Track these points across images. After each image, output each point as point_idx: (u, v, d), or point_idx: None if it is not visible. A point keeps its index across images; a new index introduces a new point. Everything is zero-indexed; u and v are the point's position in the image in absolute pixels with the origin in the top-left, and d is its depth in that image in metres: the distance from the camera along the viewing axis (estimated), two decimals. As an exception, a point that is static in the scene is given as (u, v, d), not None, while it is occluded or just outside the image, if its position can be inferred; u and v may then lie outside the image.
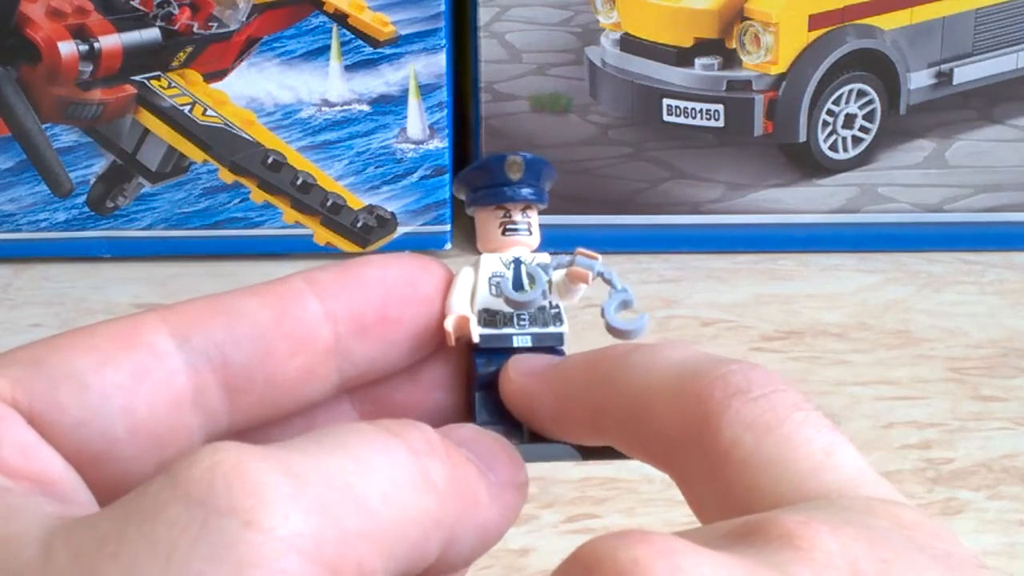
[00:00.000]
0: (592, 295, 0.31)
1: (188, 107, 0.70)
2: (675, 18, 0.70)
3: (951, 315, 0.67)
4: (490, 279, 0.31)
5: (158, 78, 0.70)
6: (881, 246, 0.72)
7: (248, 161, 0.70)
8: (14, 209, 0.71)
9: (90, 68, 0.69)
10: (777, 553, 0.22)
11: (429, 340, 0.30)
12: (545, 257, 0.31)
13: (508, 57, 0.70)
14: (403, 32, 0.69)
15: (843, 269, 0.71)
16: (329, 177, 0.70)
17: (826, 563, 0.22)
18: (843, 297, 0.69)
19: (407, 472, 0.24)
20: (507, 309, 0.31)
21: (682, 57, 0.70)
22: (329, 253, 0.71)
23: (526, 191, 0.32)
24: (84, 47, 0.68)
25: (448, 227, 0.71)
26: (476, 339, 0.30)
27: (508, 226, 0.32)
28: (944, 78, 0.71)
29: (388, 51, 0.70)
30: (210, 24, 0.69)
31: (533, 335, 0.31)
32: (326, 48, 0.70)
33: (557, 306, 0.31)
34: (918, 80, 0.71)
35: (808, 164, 0.71)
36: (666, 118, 0.71)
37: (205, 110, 0.70)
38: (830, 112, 0.71)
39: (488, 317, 0.31)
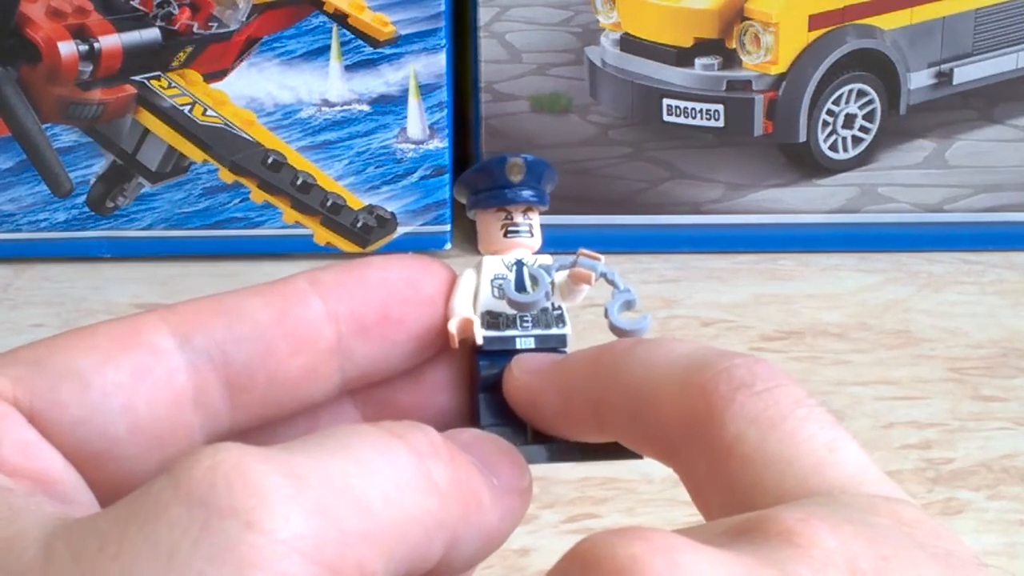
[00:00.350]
0: (593, 296, 0.31)
1: (188, 107, 0.70)
2: (675, 18, 0.70)
3: (951, 315, 0.67)
4: (492, 281, 0.31)
5: (158, 78, 0.70)
6: (881, 246, 0.72)
7: (248, 161, 0.70)
8: (14, 209, 0.71)
9: (90, 68, 0.69)
10: (776, 550, 0.22)
11: (431, 341, 0.30)
12: (547, 259, 0.31)
13: (508, 57, 0.70)
14: (403, 32, 0.69)
15: (843, 269, 0.71)
16: (329, 177, 0.70)
17: (824, 561, 0.22)
18: (843, 297, 0.69)
19: (409, 473, 0.24)
20: (510, 311, 0.31)
21: (682, 57, 0.70)
22: (329, 253, 0.71)
23: (527, 193, 0.32)
24: (84, 47, 0.68)
25: (448, 227, 0.71)
26: (480, 341, 0.30)
27: (510, 228, 0.32)
28: (944, 78, 0.71)
29: (388, 51, 0.70)
30: (210, 24, 0.69)
31: (536, 337, 0.31)
32: (326, 48, 0.70)
33: (560, 308, 0.31)
34: (918, 80, 0.71)
35: (808, 164, 0.71)
36: (666, 118, 0.71)
37: (205, 110, 0.70)
38: (830, 112, 0.71)
39: (491, 319, 0.31)
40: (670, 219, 0.72)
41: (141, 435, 0.27)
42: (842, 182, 0.72)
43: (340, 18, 0.69)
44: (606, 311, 0.30)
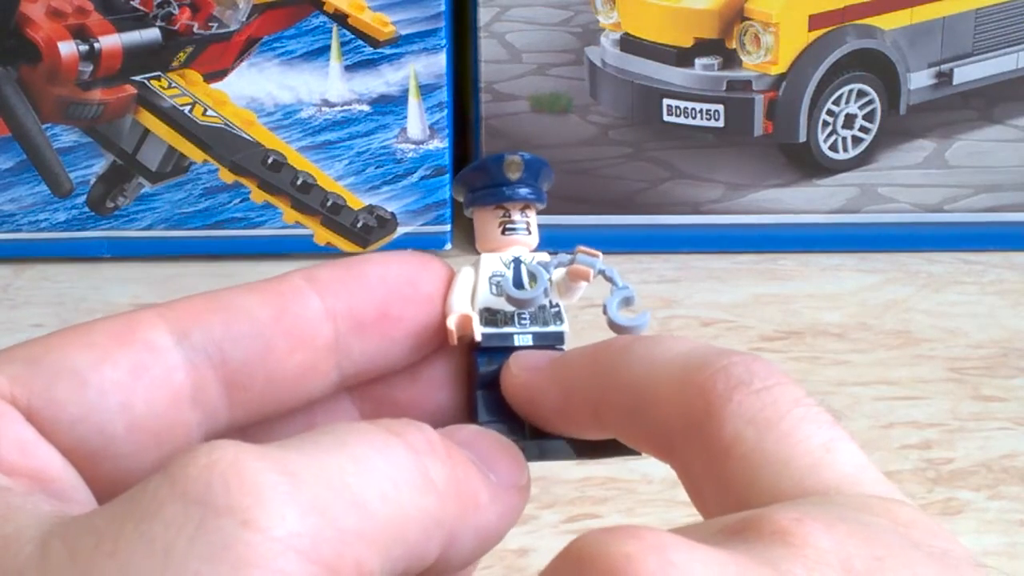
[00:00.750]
0: (592, 295, 0.31)
1: (188, 107, 0.70)
2: (675, 18, 0.70)
3: (951, 315, 0.67)
4: (491, 278, 0.31)
5: (158, 78, 0.70)
6: (881, 246, 0.72)
7: (248, 161, 0.70)
8: (14, 209, 0.71)
9: (90, 68, 0.69)
10: (770, 549, 0.22)
11: (430, 339, 0.30)
12: (545, 256, 0.31)
13: (508, 57, 0.70)
14: (403, 32, 0.69)
15: (843, 269, 0.71)
16: (329, 177, 0.70)
17: (818, 560, 0.22)
18: (843, 297, 0.69)
19: (406, 472, 0.24)
20: (508, 308, 0.31)
21: (682, 57, 0.70)
22: (329, 253, 0.71)
23: (524, 191, 0.32)
24: (84, 47, 0.68)
25: (448, 227, 0.71)
26: (478, 338, 0.30)
27: (507, 226, 0.32)
28: (944, 78, 0.71)
29: (388, 51, 0.70)
30: (210, 24, 0.69)
31: (534, 334, 0.31)
32: (326, 48, 0.70)
33: (557, 305, 0.31)
34: (918, 80, 0.71)
35: (808, 164, 0.71)
36: (666, 118, 0.71)
37: (205, 110, 0.70)
38: (830, 112, 0.71)
39: (489, 316, 0.31)
40: (670, 219, 0.72)
41: (139, 433, 0.27)
42: (842, 182, 0.72)
43: (340, 18, 0.69)
44: (605, 308, 0.30)
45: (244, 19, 0.69)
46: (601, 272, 0.31)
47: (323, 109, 0.70)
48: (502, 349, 0.31)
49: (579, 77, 0.71)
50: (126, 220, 0.71)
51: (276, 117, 0.70)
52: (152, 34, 0.69)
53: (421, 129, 0.70)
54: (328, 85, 0.70)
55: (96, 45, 0.68)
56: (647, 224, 0.72)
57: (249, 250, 0.71)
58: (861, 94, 0.71)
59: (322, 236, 0.71)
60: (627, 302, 0.31)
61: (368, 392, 0.31)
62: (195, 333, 0.28)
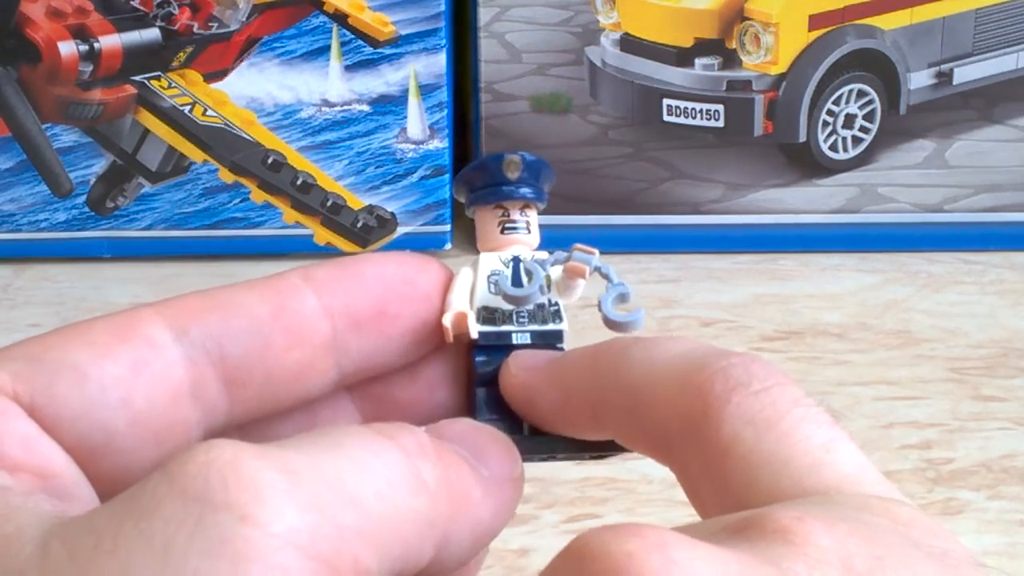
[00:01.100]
0: (591, 295, 0.31)
1: (188, 107, 0.70)
2: (675, 18, 0.70)
3: (951, 315, 0.67)
4: (489, 277, 0.31)
5: (158, 78, 0.70)
6: (881, 246, 0.72)
7: (248, 161, 0.70)
8: (14, 209, 0.71)
9: (90, 68, 0.69)
10: (771, 547, 0.22)
11: (428, 337, 0.30)
12: (544, 255, 0.31)
13: (508, 57, 0.70)
14: (403, 32, 0.69)
15: (843, 269, 0.71)
16: (329, 177, 0.70)
17: (819, 558, 0.22)
18: (843, 297, 0.69)
19: (399, 472, 0.24)
20: (506, 307, 0.31)
21: (682, 57, 0.70)
22: (329, 253, 0.71)
23: (524, 190, 0.32)
24: (84, 47, 0.68)
25: (448, 227, 0.71)
26: (474, 335, 0.30)
27: (507, 225, 0.32)
28: (944, 78, 0.71)
29: (388, 51, 0.70)
30: (210, 24, 0.69)
31: (532, 332, 0.31)
32: (326, 48, 0.70)
33: (556, 303, 0.31)
34: (918, 80, 0.71)
35: (808, 164, 0.71)
36: (666, 118, 0.71)
37: (205, 110, 0.70)
38: (830, 112, 0.71)
39: (487, 315, 0.31)
40: (670, 219, 0.72)
41: (140, 428, 0.27)
42: (842, 182, 0.72)
43: (340, 18, 0.69)
44: (600, 304, 0.30)
45: (244, 19, 0.69)
46: (597, 269, 0.31)
47: (323, 109, 0.70)
48: (500, 347, 0.31)
49: (579, 77, 0.71)
50: (126, 220, 0.71)
51: (276, 117, 0.70)
52: (152, 34, 0.69)
53: (421, 129, 0.70)
54: (328, 85, 0.70)
55: (96, 45, 0.68)
56: (647, 224, 0.72)
57: (249, 250, 0.71)
58: (861, 94, 0.71)
59: (322, 236, 0.71)
60: (622, 298, 0.31)
61: (368, 391, 0.31)
62: (193, 329, 0.28)
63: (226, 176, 0.70)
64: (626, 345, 0.28)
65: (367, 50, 0.70)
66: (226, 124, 0.70)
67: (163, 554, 0.21)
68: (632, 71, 0.71)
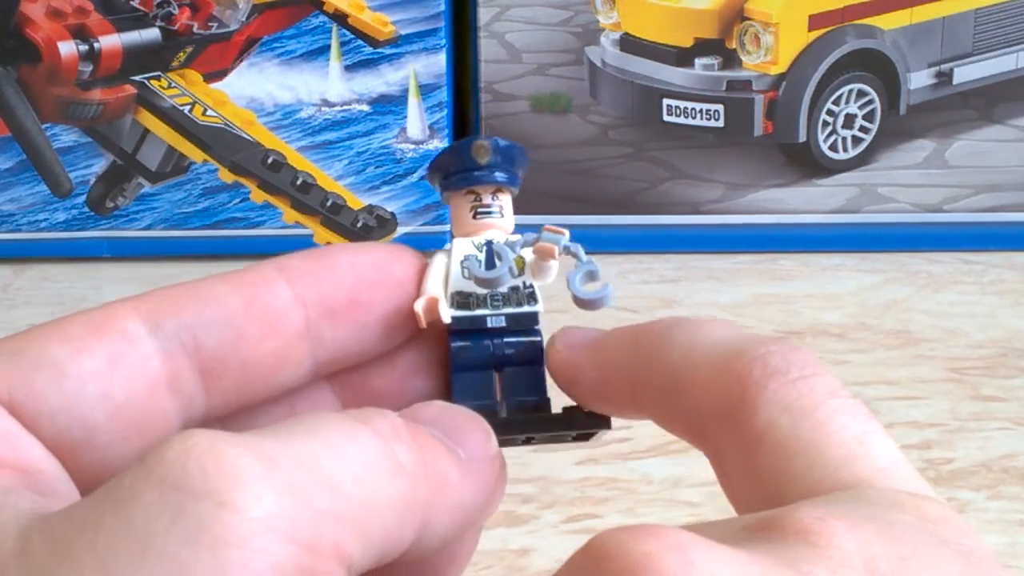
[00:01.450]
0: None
1: (188, 107, 0.70)
2: (675, 18, 0.70)
3: (951, 315, 0.67)
4: (462, 262, 0.31)
5: (158, 78, 0.70)
6: (881, 246, 0.72)
7: (248, 161, 0.70)
8: (14, 209, 0.71)
9: (90, 68, 0.69)
10: (792, 549, 0.22)
11: (402, 325, 0.30)
12: (515, 237, 0.32)
13: (508, 57, 0.70)
14: (403, 32, 0.69)
15: (843, 269, 0.71)
16: (329, 177, 0.70)
17: (841, 561, 0.22)
18: (843, 297, 0.69)
19: (376, 456, 0.24)
20: (480, 291, 0.31)
21: (682, 57, 0.70)
22: (329, 253, 0.71)
23: (495, 174, 0.32)
24: (84, 47, 0.68)
25: (448, 227, 0.71)
26: (446, 320, 0.30)
27: (479, 210, 0.32)
28: (944, 78, 0.71)
29: (388, 51, 0.70)
30: (210, 24, 0.69)
31: (507, 315, 0.31)
32: (326, 48, 0.70)
33: (531, 286, 0.31)
34: (918, 80, 0.71)
35: (808, 164, 0.71)
36: (666, 118, 0.71)
37: (205, 110, 0.70)
38: (830, 112, 0.71)
39: (461, 299, 0.31)
40: (670, 219, 0.72)
41: (119, 422, 0.27)
42: (842, 182, 0.72)
43: (340, 18, 0.69)
44: (568, 281, 0.30)
45: (244, 19, 0.69)
46: (566, 248, 0.31)
47: (323, 109, 0.70)
48: (476, 332, 0.31)
49: (579, 77, 0.71)
50: (126, 220, 0.71)
51: (276, 117, 0.70)
52: (152, 34, 0.69)
53: (421, 129, 0.70)
54: (328, 85, 0.70)
55: (96, 45, 0.68)
56: (647, 224, 0.72)
57: (249, 250, 0.71)
58: (861, 94, 0.71)
59: (322, 236, 0.71)
60: (591, 276, 0.31)
61: (347, 380, 0.31)
62: (168, 322, 0.28)
63: (226, 176, 0.70)
64: (668, 326, 0.28)
65: (367, 50, 0.70)
66: (226, 124, 0.70)
67: (143, 543, 0.21)
68: (632, 71, 0.71)
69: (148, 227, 0.71)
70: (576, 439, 0.31)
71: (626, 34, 0.71)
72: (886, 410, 0.60)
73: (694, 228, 0.72)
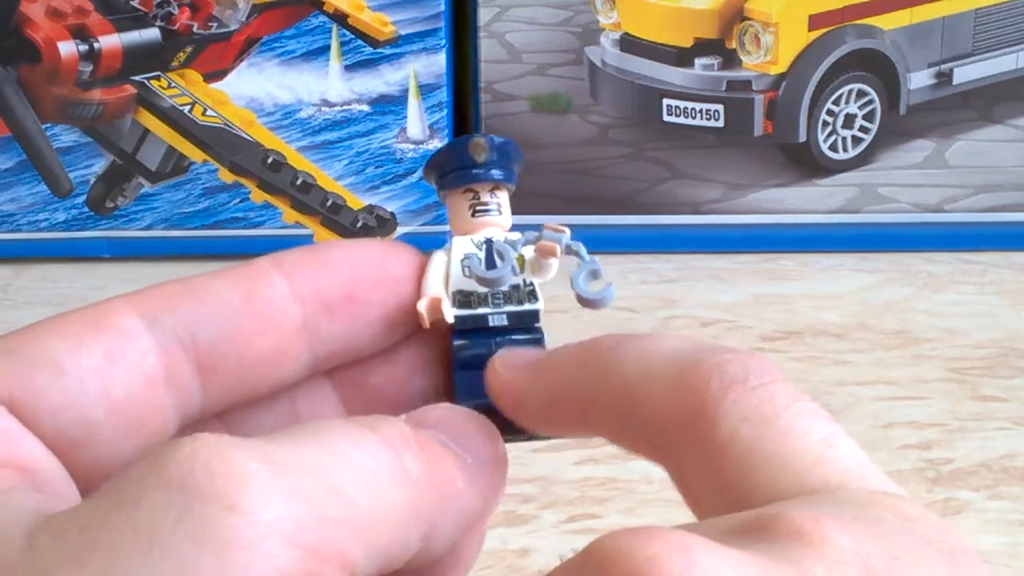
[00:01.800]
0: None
1: (188, 107, 0.70)
2: (675, 18, 0.70)
3: (951, 315, 0.67)
4: (463, 261, 0.31)
5: (158, 78, 0.70)
6: (881, 246, 0.72)
7: (248, 161, 0.70)
8: (14, 209, 0.71)
9: (90, 68, 0.69)
10: (789, 549, 0.22)
11: (400, 321, 0.30)
12: (516, 235, 0.32)
13: (508, 57, 0.70)
14: (403, 32, 0.69)
15: (843, 269, 0.71)
16: (329, 177, 0.70)
17: (838, 559, 0.22)
18: (843, 297, 0.69)
19: (383, 464, 0.24)
20: (481, 289, 0.31)
21: (682, 57, 0.70)
22: (329, 253, 0.71)
23: (493, 171, 0.32)
24: (84, 47, 0.68)
25: (448, 227, 0.71)
26: (450, 319, 0.30)
27: (478, 207, 0.32)
28: (944, 78, 0.71)
29: (388, 51, 0.70)
30: (210, 24, 0.69)
31: (508, 313, 0.31)
32: (326, 48, 0.70)
33: (531, 284, 0.31)
34: (918, 80, 0.71)
35: (808, 164, 0.71)
36: (666, 118, 0.71)
37: (205, 110, 0.70)
38: (830, 112, 0.71)
39: (463, 298, 0.31)
40: (670, 219, 0.72)
41: (117, 418, 0.27)
42: (842, 182, 0.72)
43: (340, 18, 0.69)
44: (572, 281, 0.30)
45: (244, 19, 0.69)
46: (568, 247, 0.31)
47: (323, 109, 0.70)
48: (478, 330, 0.31)
49: (579, 77, 0.71)
50: (126, 220, 0.71)
51: (276, 117, 0.70)
52: (152, 34, 0.69)
53: (421, 129, 0.70)
54: (328, 85, 0.70)
55: (96, 45, 0.68)
56: (647, 224, 0.72)
57: (249, 250, 0.70)
58: (861, 94, 0.71)
59: (322, 236, 0.71)
60: (593, 275, 0.30)
61: (348, 377, 0.31)
62: (165, 318, 0.28)
63: (226, 176, 0.70)
64: (617, 342, 0.28)
65: (367, 50, 0.70)
66: (226, 124, 0.70)
67: (149, 543, 0.21)
68: (632, 71, 0.71)
69: (148, 227, 0.71)
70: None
71: (626, 34, 0.71)
72: (886, 410, 0.60)
73: (694, 228, 0.72)
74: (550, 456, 0.55)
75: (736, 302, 0.68)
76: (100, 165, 0.70)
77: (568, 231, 0.31)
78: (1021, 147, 0.72)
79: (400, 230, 0.71)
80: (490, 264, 0.31)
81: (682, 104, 0.71)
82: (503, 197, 0.32)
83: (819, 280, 0.70)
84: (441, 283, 0.31)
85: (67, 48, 0.68)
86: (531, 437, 0.30)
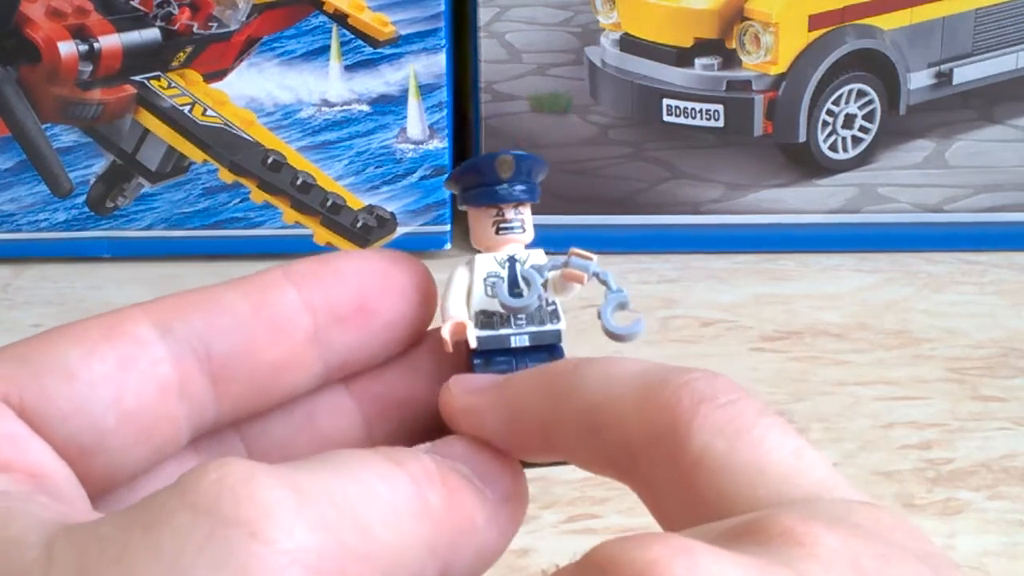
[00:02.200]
0: (591, 295, 0.31)
1: (188, 107, 0.70)
2: (675, 18, 0.70)
3: (951, 315, 0.67)
4: (486, 280, 0.31)
5: (158, 78, 0.70)
6: (881, 246, 0.72)
7: (248, 161, 0.70)
8: (14, 209, 0.71)
9: (90, 68, 0.69)
10: (782, 550, 0.22)
11: (409, 331, 0.31)
12: (540, 257, 0.31)
13: (508, 57, 0.70)
14: (403, 32, 0.69)
15: (843, 269, 0.71)
16: (329, 177, 0.70)
17: (831, 559, 0.22)
18: (843, 297, 0.69)
19: (406, 499, 0.25)
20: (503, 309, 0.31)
21: (682, 57, 0.70)
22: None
23: (518, 189, 0.32)
24: (84, 47, 0.68)
25: (448, 227, 0.71)
26: (473, 344, 0.30)
27: (502, 225, 0.32)
28: (944, 78, 0.71)
29: (388, 51, 0.70)
30: (210, 24, 0.69)
31: (531, 334, 0.31)
32: (326, 48, 0.70)
33: (554, 303, 0.31)
34: (918, 80, 0.71)
35: (808, 164, 0.71)
36: (666, 118, 0.71)
37: (205, 110, 0.70)
38: (830, 112, 0.71)
39: (485, 319, 0.31)
40: (670, 219, 0.72)
41: (129, 426, 0.27)
42: (842, 182, 0.72)
43: (340, 18, 0.69)
44: (599, 314, 0.30)
45: (244, 19, 0.69)
46: (595, 275, 0.31)
47: (323, 109, 0.70)
48: (499, 351, 0.31)
49: (579, 77, 0.71)
50: (126, 220, 0.71)
51: (276, 117, 0.70)
52: (152, 34, 0.69)
53: (421, 129, 0.70)
54: (328, 85, 0.70)
55: (96, 45, 0.68)
56: (647, 224, 0.72)
57: (249, 250, 0.71)
58: (861, 94, 0.71)
59: (322, 236, 0.71)
60: (622, 307, 0.30)
61: (365, 386, 0.31)
62: (178, 327, 0.28)
63: (226, 176, 0.70)
64: (578, 365, 0.28)
65: (367, 50, 0.70)
66: (226, 124, 0.70)
67: (171, 565, 0.21)
68: (632, 71, 0.71)
69: (148, 227, 0.71)
70: None
71: (626, 34, 0.71)
72: (886, 410, 0.60)
73: (694, 228, 0.72)
74: (550, 456, 0.55)
75: (736, 302, 0.68)
76: (100, 165, 0.70)
77: (595, 258, 0.31)
78: (1021, 147, 0.72)
79: (400, 230, 0.71)
80: (513, 286, 0.31)
81: (682, 104, 0.71)
82: (526, 212, 0.32)
83: (819, 280, 0.70)
84: (463, 303, 0.31)
85: (67, 48, 0.68)
86: (555, 463, 0.30)
